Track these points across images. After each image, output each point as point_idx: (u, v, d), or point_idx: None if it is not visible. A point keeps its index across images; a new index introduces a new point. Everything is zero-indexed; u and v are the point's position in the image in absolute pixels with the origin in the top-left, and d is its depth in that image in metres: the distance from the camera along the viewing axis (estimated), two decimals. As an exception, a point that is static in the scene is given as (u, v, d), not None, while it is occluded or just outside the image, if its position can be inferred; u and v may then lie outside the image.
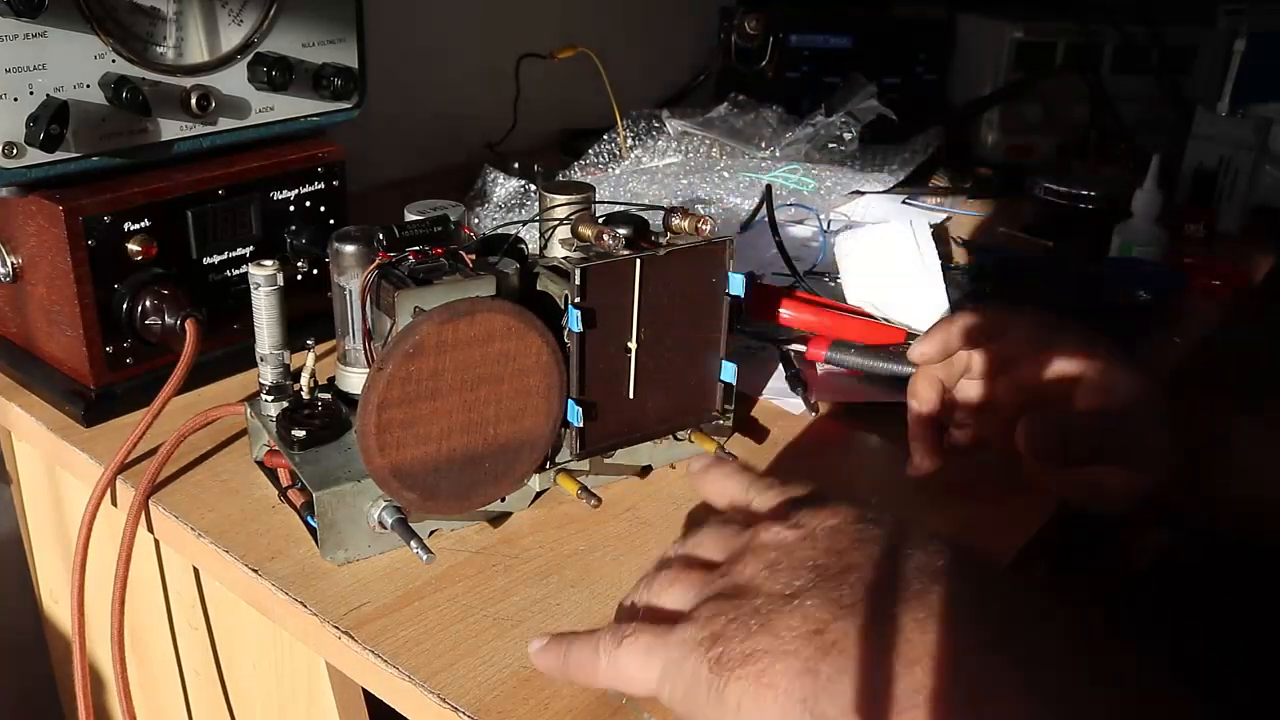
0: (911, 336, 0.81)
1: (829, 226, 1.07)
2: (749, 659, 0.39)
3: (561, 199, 0.64)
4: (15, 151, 0.63)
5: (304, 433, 0.60)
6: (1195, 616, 0.70)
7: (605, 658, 0.44)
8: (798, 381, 0.77)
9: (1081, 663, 0.38)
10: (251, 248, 0.76)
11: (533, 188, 1.05)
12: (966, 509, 0.65)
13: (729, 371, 0.66)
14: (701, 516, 0.52)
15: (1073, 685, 0.37)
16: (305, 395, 0.62)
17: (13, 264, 0.71)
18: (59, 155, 0.65)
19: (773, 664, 0.38)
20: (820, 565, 0.41)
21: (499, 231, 0.63)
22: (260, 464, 0.66)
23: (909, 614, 0.38)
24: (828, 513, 0.44)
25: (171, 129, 0.70)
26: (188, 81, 0.70)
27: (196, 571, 0.68)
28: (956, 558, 0.41)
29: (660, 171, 1.12)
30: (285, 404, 0.63)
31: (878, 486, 0.69)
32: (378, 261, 0.57)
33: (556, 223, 0.63)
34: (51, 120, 0.62)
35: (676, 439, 0.67)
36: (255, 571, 0.57)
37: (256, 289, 0.61)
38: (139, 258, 0.69)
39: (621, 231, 0.61)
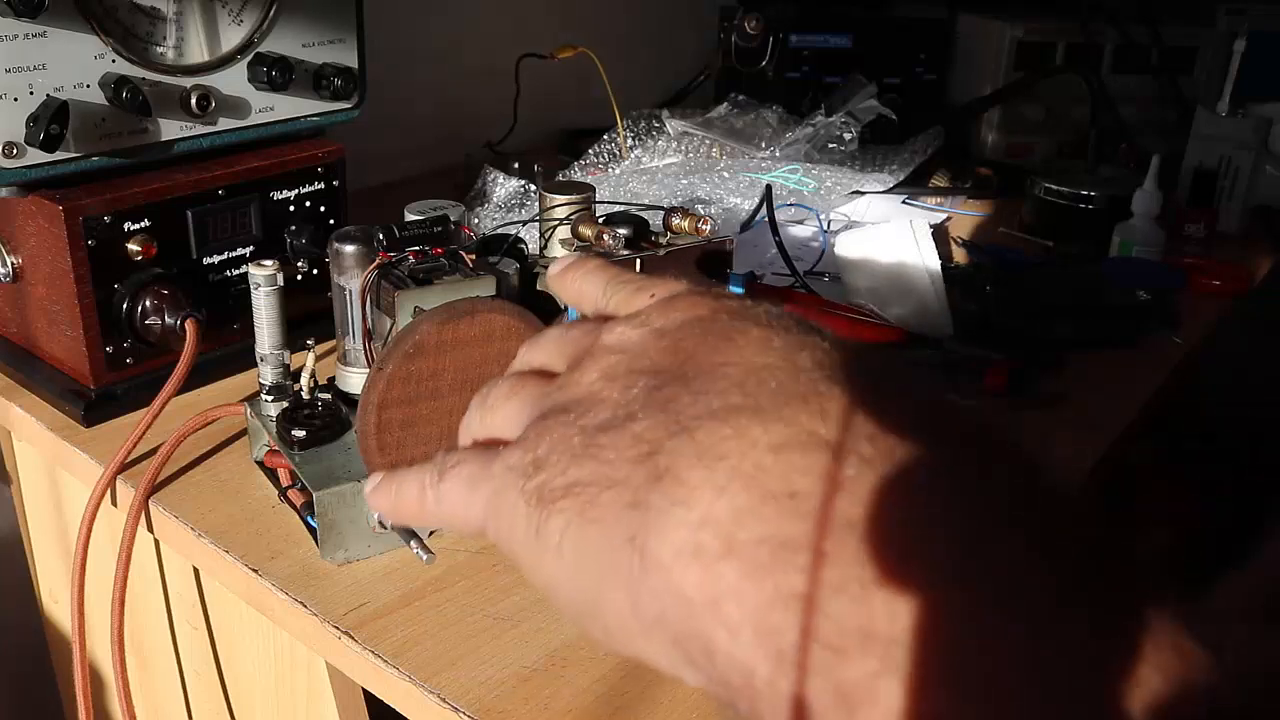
0: (911, 336, 0.81)
1: (829, 226, 1.07)
2: (571, 490, 0.31)
3: (561, 199, 0.64)
4: (15, 151, 0.63)
5: (304, 433, 0.60)
6: None
7: (431, 493, 0.36)
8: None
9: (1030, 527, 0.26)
10: (251, 248, 0.76)
11: (533, 188, 1.04)
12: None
13: (729, 371, 0.66)
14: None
15: (1018, 554, 0.25)
16: (305, 395, 0.62)
17: (13, 264, 0.71)
18: (59, 155, 0.65)
19: (597, 495, 0.30)
20: (661, 369, 0.32)
21: (499, 231, 0.63)
22: (260, 464, 0.66)
23: (765, 434, 0.28)
24: (687, 304, 0.34)
25: (171, 129, 0.70)
26: (188, 81, 0.70)
27: (196, 571, 0.68)
28: (869, 361, 0.30)
29: (660, 171, 1.12)
30: (285, 404, 0.63)
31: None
32: (378, 261, 0.57)
33: (556, 223, 0.63)
34: (51, 120, 0.62)
35: (676, 439, 0.67)
36: (255, 571, 0.57)
37: (256, 289, 0.61)
38: (139, 258, 0.69)
39: (621, 231, 0.61)
